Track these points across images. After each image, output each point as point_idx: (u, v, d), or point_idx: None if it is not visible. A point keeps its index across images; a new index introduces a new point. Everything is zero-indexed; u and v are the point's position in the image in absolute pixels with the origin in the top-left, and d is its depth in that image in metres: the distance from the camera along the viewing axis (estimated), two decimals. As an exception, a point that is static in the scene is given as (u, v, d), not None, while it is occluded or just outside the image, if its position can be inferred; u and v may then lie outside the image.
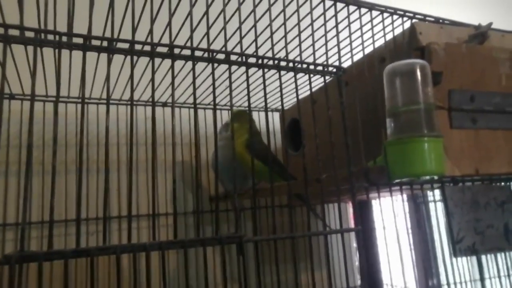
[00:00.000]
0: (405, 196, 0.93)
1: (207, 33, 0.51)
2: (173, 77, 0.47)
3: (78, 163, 0.84)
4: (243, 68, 0.52)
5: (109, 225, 0.90)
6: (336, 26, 0.60)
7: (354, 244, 1.11)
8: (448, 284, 0.94)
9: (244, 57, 0.51)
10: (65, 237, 0.85)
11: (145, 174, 0.95)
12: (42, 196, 0.84)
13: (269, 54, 0.55)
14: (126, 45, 0.46)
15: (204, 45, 0.52)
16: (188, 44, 0.49)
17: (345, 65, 0.63)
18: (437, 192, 1.03)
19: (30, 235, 0.82)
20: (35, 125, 0.83)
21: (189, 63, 0.50)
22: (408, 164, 0.53)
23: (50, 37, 0.42)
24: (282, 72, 0.54)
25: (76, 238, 0.40)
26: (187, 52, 0.49)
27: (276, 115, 1.12)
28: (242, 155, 0.80)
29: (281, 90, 0.53)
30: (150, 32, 0.48)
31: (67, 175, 0.88)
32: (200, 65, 0.53)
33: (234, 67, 0.52)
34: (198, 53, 0.50)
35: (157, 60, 0.49)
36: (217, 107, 1.00)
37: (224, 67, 0.52)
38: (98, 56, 0.54)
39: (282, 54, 0.57)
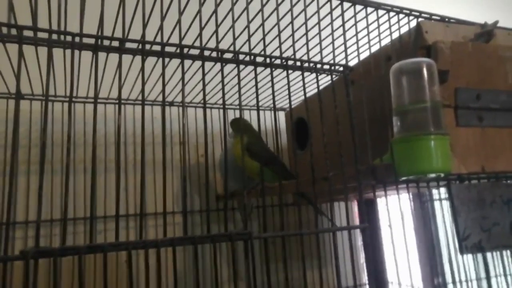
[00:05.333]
0: (410, 195, 0.93)
1: (216, 32, 0.52)
2: (183, 76, 0.48)
3: (73, 162, 0.85)
4: (247, 68, 0.53)
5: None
6: (343, 25, 0.60)
7: (359, 242, 1.11)
8: (453, 282, 0.94)
9: (252, 57, 0.52)
10: (74, 235, 0.85)
11: (150, 173, 0.96)
12: (51, 195, 0.85)
13: (276, 53, 0.55)
14: (134, 45, 0.46)
15: (211, 44, 0.53)
16: (197, 43, 0.50)
17: (351, 63, 0.63)
18: (442, 190, 1.03)
19: (39, 234, 0.83)
20: (34, 125, 0.85)
21: (196, 63, 0.51)
22: (414, 161, 0.54)
23: (54, 36, 0.43)
24: (288, 71, 0.54)
25: (89, 235, 0.41)
26: (195, 51, 0.50)
27: (281, 114, 1.12)
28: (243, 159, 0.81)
29: (289, 89, 0.53)
30: (160, 29, 0.48)
31: (74, 175, 0.89)
32: (206, 65, 0.54)
33: (240, 67, 0.52)
34: (205, 52, 0.50)
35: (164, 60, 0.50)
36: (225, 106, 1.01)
37: (230, 66, 0.53)
38: (107, 56, 0.55)
39: (287, 53, 0.57)
